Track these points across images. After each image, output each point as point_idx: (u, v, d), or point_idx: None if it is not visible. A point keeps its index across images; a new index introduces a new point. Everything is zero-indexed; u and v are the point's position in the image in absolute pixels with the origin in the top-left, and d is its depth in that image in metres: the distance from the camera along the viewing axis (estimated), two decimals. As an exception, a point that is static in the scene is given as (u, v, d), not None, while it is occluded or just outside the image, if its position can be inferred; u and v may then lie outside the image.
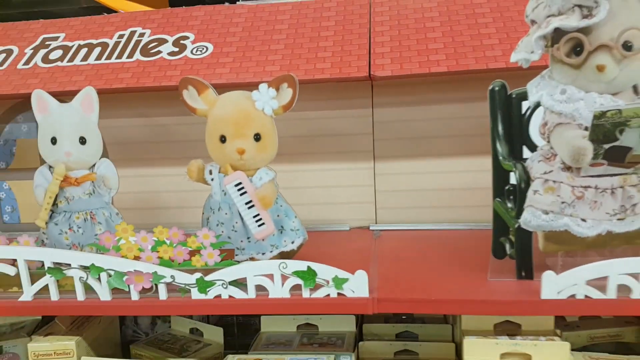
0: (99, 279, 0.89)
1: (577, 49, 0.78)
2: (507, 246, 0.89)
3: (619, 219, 0.82)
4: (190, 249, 0.87)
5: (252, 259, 0.96)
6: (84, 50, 1.22)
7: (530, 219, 0.83)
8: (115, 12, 1.54)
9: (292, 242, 0.97)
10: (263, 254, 0.96)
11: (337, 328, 1.13)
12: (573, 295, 0.80)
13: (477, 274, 0.91)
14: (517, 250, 0.87)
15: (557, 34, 0.78)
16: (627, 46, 0.77)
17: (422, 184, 1.23)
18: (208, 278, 0.86)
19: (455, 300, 0.84)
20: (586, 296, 0.80)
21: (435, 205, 1.23)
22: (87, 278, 0.89)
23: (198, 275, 0.86)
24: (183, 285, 0.88)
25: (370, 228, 1.24)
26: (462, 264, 0.96)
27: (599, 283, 0.81)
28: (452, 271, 0.94)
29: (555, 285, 0.81)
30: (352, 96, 1.21)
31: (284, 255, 0.97)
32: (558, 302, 0.81)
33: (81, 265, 0.89)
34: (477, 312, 0.87)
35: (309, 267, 0.86)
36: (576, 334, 0.99)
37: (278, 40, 1.16)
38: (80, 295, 0.91)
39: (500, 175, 0.87)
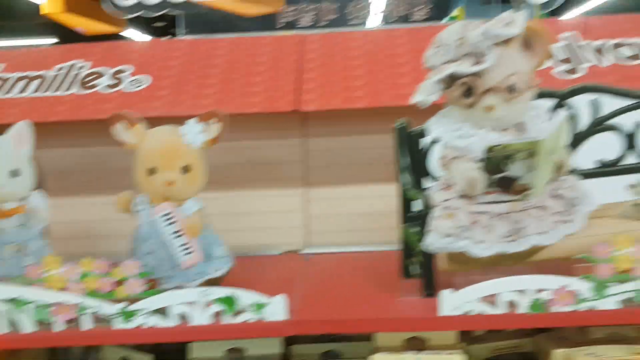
0: (23, 311, 0.91)
1: (469, 91, 0.89)
2: (414, 267, 0.99)
3: (510, 241, 0.93)
4: (115, 279, 0.91)
5: (180, 287, 0.99)
6: (22, 82, 1.26)
7: (433, 242, 0.92)
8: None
9: (219, 270, 1.02)
10: (191, 281, 1.00)
11: (263, 351, 1.18)
12: (468, 311, 0.90)
13: (392, 293, 0.99)
14: (422, 270, 0.96)
15: (452, 78, 0.89)
16: (511, 89, 0.89)
17: (352, 208, 1.32)
18: (132, 308, 0.90)
19: (366, 320, 0.92)
20: (480, 312, 0.90)
21: (363, 228, 1.32)
22: (10, 311, 0.91)
23: (122, 305, 0.90)
24: (107, 316, 0.91)
25: (301, 252, 1.32)
26: (381, 285, 1.04)
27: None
28: (371, 291, 1.02)
29: (452, 302, 0.90)
30: (283, 127, 1.29)
31: (211, 282, 1.01)
32: (455, 318, 0.90)
33: (5, 299, 0.91)
34: (384, 330, 0.95)
35: (230, 294, 0.92)
36: (481, 346, 1.08)
37: (214, 75, 1.24)
38: (3, 328, 0.92)
39: (405, 203, 0.97)
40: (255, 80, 1.20)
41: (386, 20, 1.35)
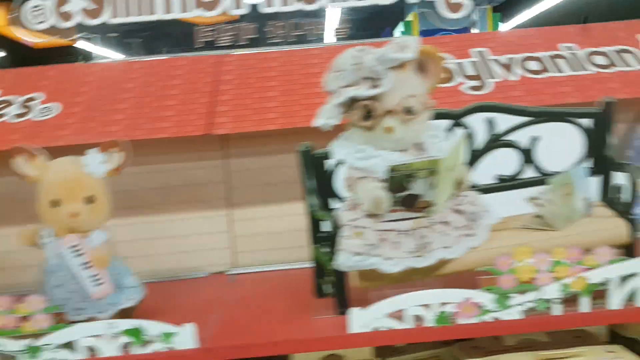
0: None
1: (368, 114, 0.91)
2: (327, 286, 1.00)
3: (417, 256, 0.95)
4: (20, 315, 0.89)
5: (92, 319, 0.98)
6: None
7: (344, 260, 0.94)
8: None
9: (132, 299, 1.01)
10: (103, 313, 0.98)
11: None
12: (377, 328, 0.92)
13: (307, 313, 0.99)
14: (334, 289, 0.98)
15: (352, 102, 0.91)
16: (408, 111, 0.91)
17: (275, 227, 1.32)
18: (38, 343, 0.88)
19: (278, 342, 0.93)
20: (388, 327, 0.92)
21: (287, 246, 1.32)
22: None
23: (27, 342, 0.88)
24: (13, 353, 0.88)
25: (227, 273, 1.32)
26: (297, 304, 1.05)
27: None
28: (287, 312, 1.03)
29: (361, 320, 0.92)
30: (205, 149, 1.29)
31: (124, 313, 1.00)
32: (364, 335, 0.91)
33: None
34: (295, 351, 0.96)
35: (136, 325, 0.91)
36: (400, 358, 1.10)
37: (126, 99, 1.22)
38: None
39: (314, 223, 0.98)
40: (168, 103, 1.20)
41: (305, 39, 1.36)
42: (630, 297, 0.92)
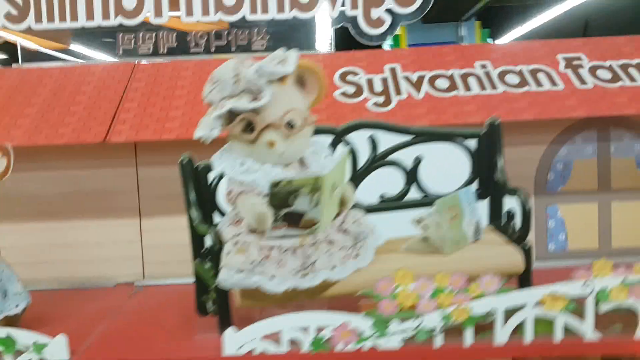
0: None
1: (250, 127, 0.88)
2: (209, 304, 0.97)
3: (302, 276, 0.92)
4: None
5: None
6: None
7: (226, 278, 0.90)
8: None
9: (17, 306, 0.97)
10: (-13, 319, 0.95)
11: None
12: (252, 350, 0.89)
13: (192, 330, 0.96)
14: (217, 307, 0.94)
15: (232, 114, 0.88)
16: (290, 125, 0.89)
17: (187, 239, 1.29)
18: None
19: (150, 360, 0.90)
20: (263, 350, 0.89)
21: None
22: None
23: None
24: None
25: (135, 284, 1.29)
26: (190, 320, 1.00)
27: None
28: (177, 327, 0.99)
29: (235, 341, 0.88)
30: (117, 155, 1.25)
31: (9, 320, 0.96)
32: (239, 358, 0.88)
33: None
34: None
35: (7, 334, 0.87)
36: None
37: (34, 104, 1.19)
38: None
39: (197, 238, 0.95)
40: (74, 109, 1.17)
41: (226, 50, 1.34)
42: (519, 330, 0.89)
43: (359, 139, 0.97)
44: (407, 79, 1.21)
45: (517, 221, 0.96)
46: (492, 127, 0.98)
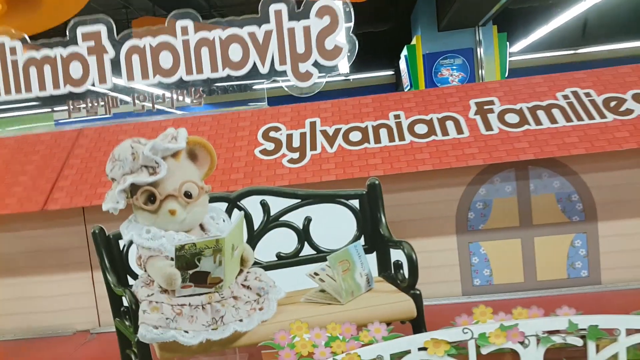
0: None
1: (151, 198, 0.97)
2: (133, 356, 1.05)
3: (213, 329, 1.00)
4: None
5: None
6: None
7: (145, 333, 0.99)
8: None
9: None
10: None
11: None
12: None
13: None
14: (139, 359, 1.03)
15: (134, 188, 0.98)
16: (187, 195, 0.98)
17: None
18: None
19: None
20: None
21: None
22: None
23: None
24: None
25: (91, 331, 1.38)
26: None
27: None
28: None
29: (151, 391, 0.97)
30: (68, 215, 1.36)
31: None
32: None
33: None
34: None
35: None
36: None
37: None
38: None
39: (115, 298, 1.04)
40: (22, 179, 1.28)
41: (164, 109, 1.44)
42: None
43: (252, 204, 1.05)
44: (325, 132, 1.29)
45: (405, 271, 1.02)
46: (371, 187, 1.06)
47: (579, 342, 0.91)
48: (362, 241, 1.07)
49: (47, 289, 1.38)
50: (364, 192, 1.06)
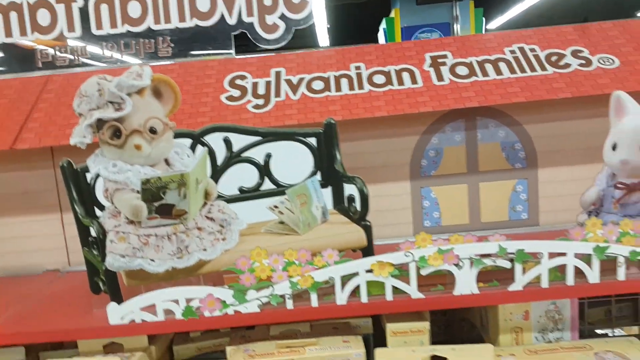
0: None
1: (117, 133, 1.04)
2: (101, 284, 1.13)
3: (178, 258, 1.08)
4: None
5: None
6: None
7: (112, 262, 1.06)
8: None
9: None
10: None
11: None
12: (133, 320, 1.05)
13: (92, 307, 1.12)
14: (107, 287, 1.10)
15: (101, 123, 1.04)
16: (152, 130, 1.04)
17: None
18: None
19: (62, 330, 1.07)
20: (143, 320, 1.05)
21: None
22: None
23: None
24: None
25: (60, 270, 1.45)
26: (87, 300, 1.16)
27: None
28: (78, 305, 1.15)
29: (118, 313, 1.05)
30: (37, 158, 1.41)
31: None
32: (122, 327, 1.04)
33: None
34: (76, 338, 1.09)
35: None
36: (186, 346, 1.24)
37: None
38: None
39: (83, 229, 1.11)
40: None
41: (135, 56, 1.48)
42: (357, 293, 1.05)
43: (215, 141, 1.12)
44: (289, 81, 1.36)
45: (357, 204, 1.12)
46: (328, 126, 1.14)
47: (507, 264, 1.03)
48: (318, 177, 1.15)
49: (16, 230, 1.43)
50: (321, 131, 1.14)
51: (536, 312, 1.10)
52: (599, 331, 1.32)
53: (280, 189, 1.14)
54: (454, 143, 1.42)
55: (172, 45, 1.51)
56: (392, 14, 4.52)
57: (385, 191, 1.41)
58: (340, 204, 1.16)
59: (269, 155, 1.14)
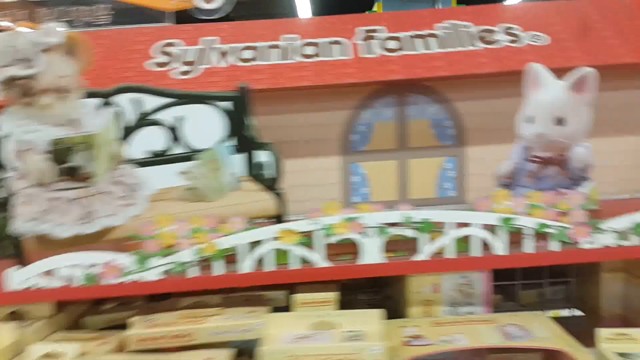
0: None
1: (27, 91, 1.01)
2: (7, 248, 1.10)
3: (85, 223, 1.06)
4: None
5: None
6: None
7: (19, 226, 1.04)
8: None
9: None
10: None
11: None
12: (33, 285, 1.02)
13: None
14: (13, 250, 1.07)
15: (11, 80, 1.00)
16: (61, 89, 1.01)
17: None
18: None
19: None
20: (42, 286, 1.03)
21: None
22: None
23: None
24: None
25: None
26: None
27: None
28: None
29: (17, 278, 1.02)
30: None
31: None
32: (21, 293, 1.02)
33: None
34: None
35: None
36: (98, 317, 1.19)
37: None
38: None
39: (-12, 190, 1.07)
40: None
41: (71, 25, 1.46)
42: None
43: (126, 101, 1.09)
44: (220, 50, 1.33)
45: (270, 171, 1.11)
46: (242, 91, 1.11)
47: (414, 234, 1.02)
48: (232, 142, 1.12)
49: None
50: (235, 95, 1.12)
51: (447, 286, 1.10)
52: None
53: (192, 154, 1.11)
54: (385, 119, 1.40)
55: (113, 13, 1.48)
56: (375, 7, 4.53)
57: (313, 166, 1.40)
58: (253, 171, 1.13)
59: (181, 119, 1.11)
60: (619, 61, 1.25)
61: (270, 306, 1.10)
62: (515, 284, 1.59)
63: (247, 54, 1.34)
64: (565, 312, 1.55)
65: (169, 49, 1.35)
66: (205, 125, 1.09)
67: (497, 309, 1.12)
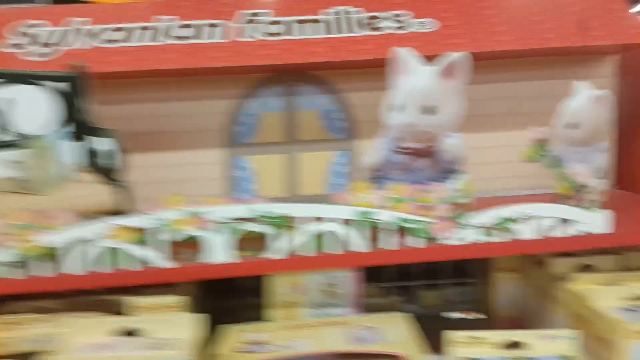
0: None
1: None
2: None
3: None
4: None
5: None
6: None
7: None
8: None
9: None
10: None
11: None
12: None
13: None
14: None
15: None
16: None
17: None
18: None
19: None
20: None
21: None
22: None
23: None
24: None
25: None
26: None
27: None
28: None
29: None
30: None
31: None
32: None
33: None
34: None
35: None
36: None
37: None
38: None
39: None
40: None
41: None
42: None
43: None
44: (83, 30, 1.23)
45: (108, 161, 1.00)
46: (77, 69, 1.00)
47: (265, 229, 0.94)
48: (67, 129, 1.01)
49: None
50: (72, 75, 1.00)
51: (310, 286, 1.02)
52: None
53: (20, 141, 0.99)
54: (272, 109, 1.32)
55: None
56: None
57: (192, 159, 1.30)
58: (90, 160, 1.02)
59: (9, 101, 1.00)
60: (503, 47, 1.19)
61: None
62: (417, 285, 1.53)
63: (117, 36, 1.24)
64: (470, 315, 1.50)
65: (26, 30, 1.25)
66: (37, 109, 0.98)
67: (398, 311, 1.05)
